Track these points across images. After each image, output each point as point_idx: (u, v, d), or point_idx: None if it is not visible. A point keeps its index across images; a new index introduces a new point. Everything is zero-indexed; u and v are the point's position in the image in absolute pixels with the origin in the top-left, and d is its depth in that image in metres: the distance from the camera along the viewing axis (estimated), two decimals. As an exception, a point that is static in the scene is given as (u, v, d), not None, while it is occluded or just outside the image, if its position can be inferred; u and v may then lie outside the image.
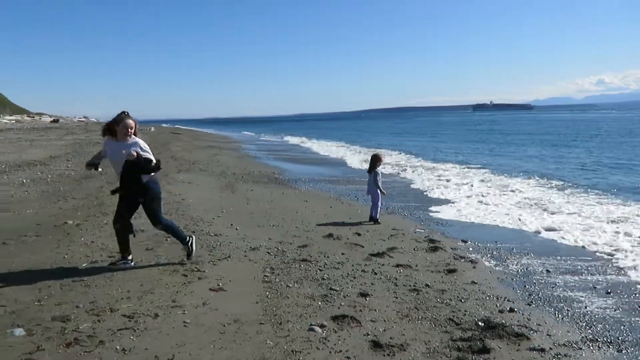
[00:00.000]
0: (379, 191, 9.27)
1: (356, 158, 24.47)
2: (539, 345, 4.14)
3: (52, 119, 73.83)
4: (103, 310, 4.48)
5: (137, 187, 5.63)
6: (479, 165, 20.26)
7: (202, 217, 8.78)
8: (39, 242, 6.76)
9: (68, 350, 3.73)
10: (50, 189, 11.24)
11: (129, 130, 5.66)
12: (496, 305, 5.11)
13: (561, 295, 5.49)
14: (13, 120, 63.31)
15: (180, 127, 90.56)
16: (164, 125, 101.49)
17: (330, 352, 3.90)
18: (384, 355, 3.90)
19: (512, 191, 13.14)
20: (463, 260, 6.82)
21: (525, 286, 5.81)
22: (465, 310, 4.92)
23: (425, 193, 13.31)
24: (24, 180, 12.12)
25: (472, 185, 14.32)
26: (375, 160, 9.53)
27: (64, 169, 15.09)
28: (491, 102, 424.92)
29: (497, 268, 6.55)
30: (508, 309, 5.00)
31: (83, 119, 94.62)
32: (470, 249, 7.50)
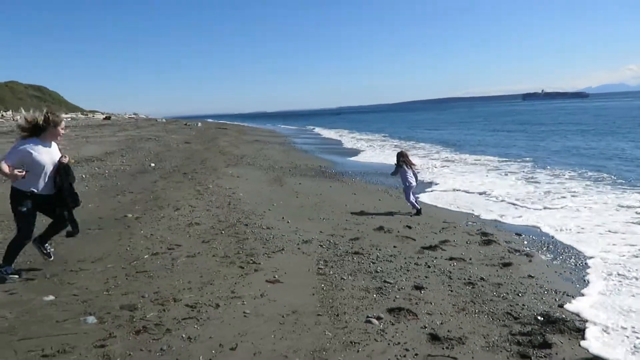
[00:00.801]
0: (407, 184, 9.51)
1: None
2: (603, 341, 4.04)
3: (104, 116, 76.42)
4: (167, 300, 4.67)
5: None
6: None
7: (254, 210, 8.95)
8: (102, 235, 7.08)
9: (138, 337, 3.92)
10: (108, 183, 11.72)
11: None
12: (555, 300, 5.01)
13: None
14: (69, 118, 65.87)
15: (225, 122, 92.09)
16: (209, 120, 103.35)
17: (388, 344, 3.94)
18: (443, 348, 3.90)
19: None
20: (518, 253, 6.69)
21: (584, 280, 5.66)
22: (524, 305, 4.84)
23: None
24: (83, 176, 12.66)
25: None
26: (400, 156, 9.83)
27: (119, 164, 15.66)
28: (542, 90, 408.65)
29: (554, 262, 6.40)
30: (568, 303, 4.89)
31: (133, 116, 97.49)
32: (525, 242, 7.34)
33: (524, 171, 15.43)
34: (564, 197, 10.76)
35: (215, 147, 24.83)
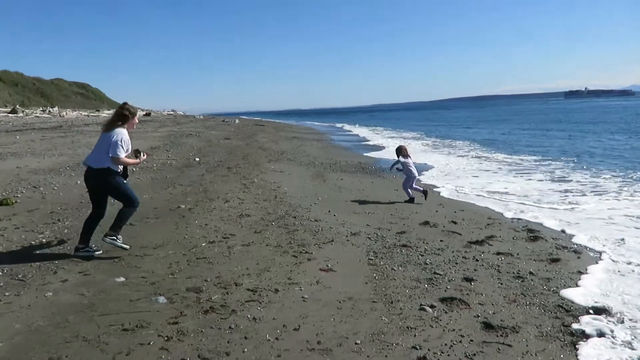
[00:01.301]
0: (412, 175, 10.33)
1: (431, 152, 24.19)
2: (658, 334, 4.09)
3: (144, 113, 78.38)
4: (229, 284, 4.94)
5: None
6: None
7: (300, 203, 9.20)
8: (160, 224, 7.43)
9: (206, 316, 4.19)
10: (158, 176, 12.17)
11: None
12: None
13: (677, 287, 5.31)
14: (111, 114, 67.97)
15: (261, 119, 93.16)
16: (244, 117, 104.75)
17: (443, 330, 4.10)
18: (498, 336, 4.03)
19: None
20: (566, 250, 6.71)
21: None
22: (574, 298, 4.91)
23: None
24: (134, 169, 13.16)
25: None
26: (402, 150, 10.63)
27: (166, 158, 16.18)
28: (586, 88, 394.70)
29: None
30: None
31: (171, 112, 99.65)
32: (572, 240, 7.33)
33: (567, 172, 15.21)
34: (607, 200, 10.60)
35: (254, 143, 25.28)
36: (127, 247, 5.94)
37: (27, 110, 54.26)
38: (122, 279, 5.06)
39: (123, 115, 5.91)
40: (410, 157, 10.66)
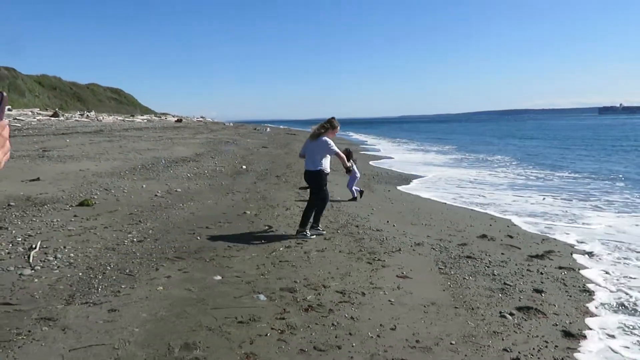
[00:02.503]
0: (356, 176, 11.43)
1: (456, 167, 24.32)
2: None
3: (176, 119, 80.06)
4: (318, 286, 5.35)
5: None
6: None
7: (357, 213, 9.60)
8: (233, 228, 7.91)
9: (308, 314, 4.60)
10: (214, 183, 12.72)
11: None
12: (676, 310, 5.29)
13: None
14: (145, 119, 69.67)
15: (289, 127, 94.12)
16: (273, 125, 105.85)
17: (528, 335, 4.43)
18: (579, 343, 4.34)
19: None
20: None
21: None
22: (644, 312, 5.17)
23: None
24: (189, 175, 13.77)
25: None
26: (351, 153, 11.49)
27: (214, 165, 16.79)
28: (621, 104, 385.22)
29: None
30: (689, 314, 5.17)
31: (201, 119, 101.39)
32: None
33: (604, 192, 15.27)
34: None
35: (292, 152, 25.81)
36: (324, 232, 7.79)
37: (66, 114, 56.05)
38: (219, 277, 5.52)
39: (325, 127, 7.70)
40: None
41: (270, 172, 15.73)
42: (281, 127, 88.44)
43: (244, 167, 16.80)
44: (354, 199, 11.26)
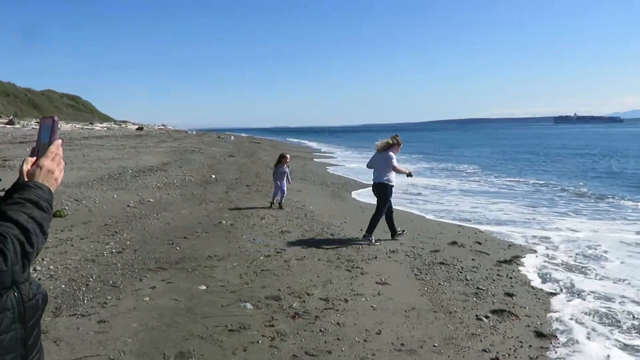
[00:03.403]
0: (285, 182, 11.28)
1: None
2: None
3: (136, 127, 78.56)
4: (302, 294, 5.50)
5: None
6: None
7: (331, 222, 9.80)
8: (211, 237, 7.97)
9: (295, 321, 4.75)
10: (186, 192, 12.69)
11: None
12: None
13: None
14: (105, 127, 68.13)
15: (253, 135, 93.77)
16: (236, 134, 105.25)
17: (504, 336, 4.70)
18: (551, 342, 4.64)
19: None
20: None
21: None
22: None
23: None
24: (159, 185, 13.67)
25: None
26: (281, 158, 11.62)
27: (182, 174, 16.69)
28: (575, 114, 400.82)
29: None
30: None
31: (162, 127, 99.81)
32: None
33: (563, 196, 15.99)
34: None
35: (259, 161, 25.87)
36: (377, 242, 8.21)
37: (22, 122, 54.29)
38: (204, 286, 5.60)
39: (390, 143, 8.36)
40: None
41: (240, 182, 15.77)
42: (243, 135, 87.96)
43: (213, 176, 16.77)
44: (272, 204, 11.24)
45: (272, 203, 11.35)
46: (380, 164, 8.30)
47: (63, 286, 5.39)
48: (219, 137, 59.87)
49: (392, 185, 8.32)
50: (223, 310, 4.92)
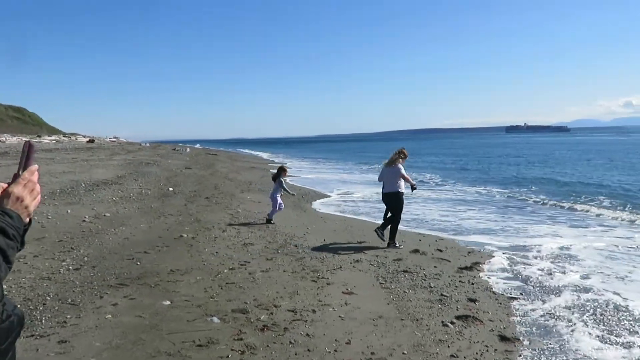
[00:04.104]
0: (278, 197, 10.99)
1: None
2: None
3: (87, 139, 76.21)
4: (269, 306, 5.45)
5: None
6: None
7: (294, 233, 9.76)
8: (172, 251, 7.79)
9: (264, 333, 4.69)
10: (143, 206, 12.37)
11: None
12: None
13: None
14: (53, 140, 65.71)
15: (209, 147, 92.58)
16: (192, 145, 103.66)
17: (470, 341, 4.80)
18: (515, 345, 4.77)
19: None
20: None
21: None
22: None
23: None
24: (114, 198, 13.28)
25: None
26: (281, 171, 11.54)
27: (138, 187, 16.28)
28: (525, 123, 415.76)
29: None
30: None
31: (114, 139, 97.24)
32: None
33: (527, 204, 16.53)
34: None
35: (217, 173, 25.53)
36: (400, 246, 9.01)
37: (-37, 135, 51.66)
38: (168, 302, 5.46)
39: (397, 157, 9.25)
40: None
41: (199, 194, 15.51)
42: (198, 146, 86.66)
43: (171, 189, 16.44)
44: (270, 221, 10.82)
45: (270, 220, 10.82)
46: (391, 176, 9.16)
47: (18, 306, 5.12)
48: (175, 149, 58.77)
49: (403, 193, 9.17)
50: (189, 325, 4.81)
